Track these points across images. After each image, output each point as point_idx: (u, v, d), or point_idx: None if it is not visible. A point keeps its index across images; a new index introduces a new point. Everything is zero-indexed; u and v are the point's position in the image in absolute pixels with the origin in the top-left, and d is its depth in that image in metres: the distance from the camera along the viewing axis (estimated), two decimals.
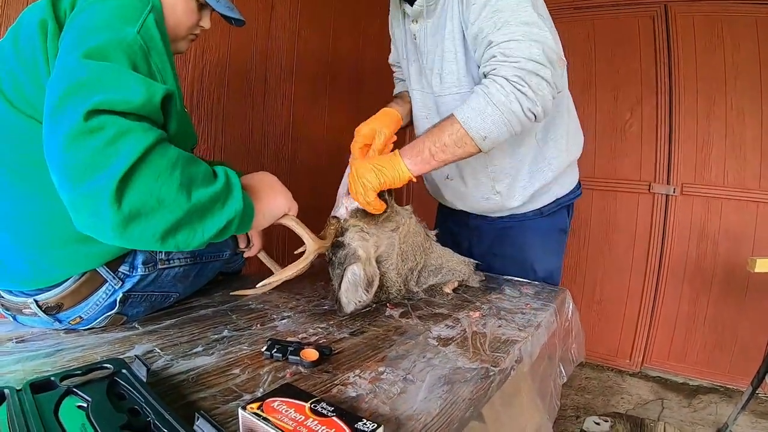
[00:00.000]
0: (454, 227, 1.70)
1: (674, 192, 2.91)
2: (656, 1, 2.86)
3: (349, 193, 1.22)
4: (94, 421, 0.59)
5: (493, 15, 1.10)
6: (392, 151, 1.25)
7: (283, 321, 1.11)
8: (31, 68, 0.86)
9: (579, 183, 1.59)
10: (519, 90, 1.05)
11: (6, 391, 0.64)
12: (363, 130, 1.33)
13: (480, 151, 1.14)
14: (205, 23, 1.14)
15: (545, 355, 1.23)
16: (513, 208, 1.50)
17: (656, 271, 3.00)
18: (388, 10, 1.54)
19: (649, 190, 2.97)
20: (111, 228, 0.73)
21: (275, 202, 1.06)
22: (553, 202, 1.52)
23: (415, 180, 1.17)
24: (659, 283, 3.01)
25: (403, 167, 1.15)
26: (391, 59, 1.68)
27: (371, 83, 2.98)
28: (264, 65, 2.31)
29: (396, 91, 1.67)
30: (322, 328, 1.08)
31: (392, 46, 1.63)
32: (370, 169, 1.15)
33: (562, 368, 1.36)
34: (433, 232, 1.40)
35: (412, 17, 1.34)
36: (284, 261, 1.20)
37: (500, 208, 1.51)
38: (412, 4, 1.31)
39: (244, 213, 0.90)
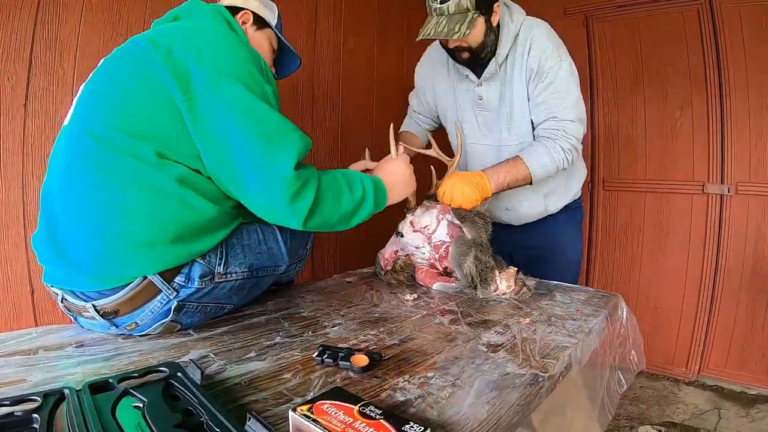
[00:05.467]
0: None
1: (729, 192, 2.76)
2: None
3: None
4: (149, 420, 0.62)
5: (555, 94, 1.56)
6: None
7: (335, 328, 1.13)
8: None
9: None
10: (566, 157, 1.57)
11: (66, 391, 0.67)
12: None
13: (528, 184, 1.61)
14: None
15: (596, 362, 1.20)
16: (550, 210, 1.88)
17: (712, 275, 2.86)
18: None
19: (702, 190, 2.84)
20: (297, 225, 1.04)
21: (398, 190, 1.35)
22: (573, 201, 1.93)
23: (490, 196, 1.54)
24: (716, 288, 2.85)
25: (489, 185, 1.51)
26: (415, 107, 1.99)
27: None
28: (311, 77, 2.34)
29: (405, 127, 2.02)
30: (372, 335, 1.08)
31: (418, 97, 1.97)
32: (472, 186, 1.49)
33: (621, 376, 1.33)
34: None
35: (478, 82, 1.68)
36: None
37: (544, 212, 1.87)
38: (479, 76, 1.65)
39: (378, 203, 1.21)
